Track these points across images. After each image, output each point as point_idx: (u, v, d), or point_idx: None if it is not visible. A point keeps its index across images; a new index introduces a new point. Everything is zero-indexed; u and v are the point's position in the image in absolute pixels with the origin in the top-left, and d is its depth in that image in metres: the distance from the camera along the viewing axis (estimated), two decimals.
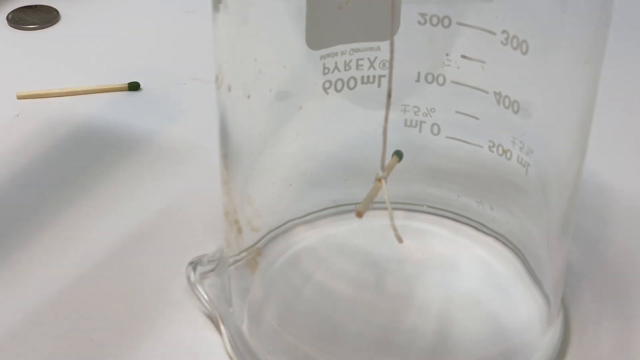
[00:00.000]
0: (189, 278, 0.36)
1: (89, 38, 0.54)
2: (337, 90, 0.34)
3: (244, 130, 0.33)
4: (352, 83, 0.34)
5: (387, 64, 0.33)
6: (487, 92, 0.33)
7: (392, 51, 0.28)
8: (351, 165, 0.37)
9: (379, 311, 0.34)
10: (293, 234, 0.37)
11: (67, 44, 0.54)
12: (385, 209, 0.29)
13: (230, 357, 0.34)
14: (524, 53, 0.30)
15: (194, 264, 0.36)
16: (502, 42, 0.31)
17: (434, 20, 0.32)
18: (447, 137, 0.35)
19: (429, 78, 0.34)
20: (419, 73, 0.34)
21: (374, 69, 0.34)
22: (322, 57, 0.33)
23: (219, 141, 0.33)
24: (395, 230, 0.29)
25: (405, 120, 0.35)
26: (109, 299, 0.36)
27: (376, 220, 0.32)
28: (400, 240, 0.29)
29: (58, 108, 0.48)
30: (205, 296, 0.35)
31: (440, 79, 0.34)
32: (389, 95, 0.28)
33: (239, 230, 0.33)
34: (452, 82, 0.34)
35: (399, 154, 0.34)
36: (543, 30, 0.30)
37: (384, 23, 0.31)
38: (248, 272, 0.35)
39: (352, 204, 0.37)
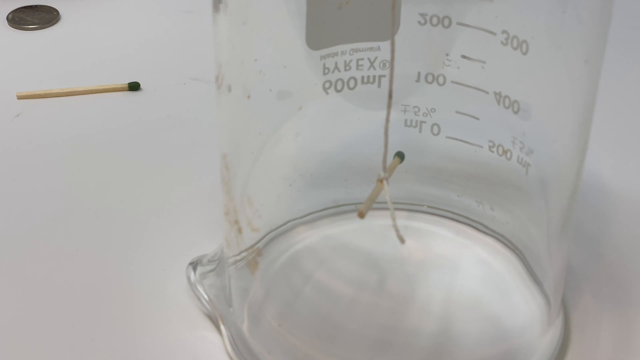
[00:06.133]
0: (189, 278, 0.36)
1: (89, 38, 0.54)
2: (337, 90, 0.34)
3: (244, 130, 0.33)
4: (352, 83, 0.34)
5: (387, 64, 0.33)
6: (487, 92, 0.33)
7: (392, 51, 0.28)
8: (351, 165, 0.37)
9: (379, 311, 0.34)
10: (293, 234, 0.37)
11: (67, 44, 0.54)
12: (385, 209, 0.29)
13: (230, 357, 0.34)
14: (524, 53, 0.30)
15: (194, 264, 0.36)
16: (502, 42, 0.31)
17: (434, 20, 0.32)
18: (447, 137, 0.35)
19: (429, 78, 0.34)
20: (419, 73, 0.34)
21: (374, 69, 0.34)
22: (322, 57, 0.33)
23: (219, 141, 0.33)
24: (397, 231, 0.29)
25: (406, 121, 0.35)
26: (109, 299, 0.36)
27: (376, 221, 0.32)
28: (402, 240, 0.29)
29: (58, 108, 0.48)
30: (205, 296, 0.35)
31: (440, 79, 0.34)
32: (390, 96, 0.28)
33: (239, 230, 0.33)
34: (452, 82, 0.34)
35: (400, 156, 0.34)
36: (543, 30, 0.30)
37: (384, 23, 0.31)
38: (248, 272, 0.35)
39: (352, 204, 0.37)
